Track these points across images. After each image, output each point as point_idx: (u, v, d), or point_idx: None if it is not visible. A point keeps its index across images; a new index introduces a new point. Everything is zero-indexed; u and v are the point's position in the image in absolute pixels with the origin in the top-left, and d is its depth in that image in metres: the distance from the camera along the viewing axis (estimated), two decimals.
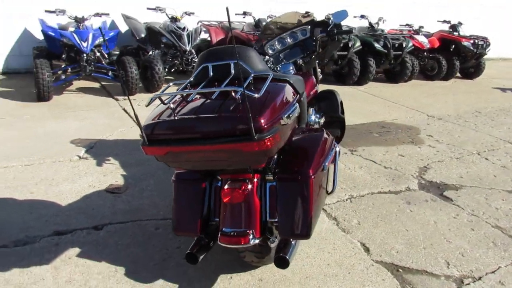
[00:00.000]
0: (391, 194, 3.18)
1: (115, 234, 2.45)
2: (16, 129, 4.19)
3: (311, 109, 2.94)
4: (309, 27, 3.10)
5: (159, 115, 1.66)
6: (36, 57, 5.56)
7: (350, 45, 6.85)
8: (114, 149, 3.77)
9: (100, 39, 5.29)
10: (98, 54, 5.45)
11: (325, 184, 2.04)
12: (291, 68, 2.97)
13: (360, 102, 6.18)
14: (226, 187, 1.81)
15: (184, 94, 1.67)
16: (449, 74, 8.23)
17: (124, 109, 1.63)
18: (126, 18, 6.75)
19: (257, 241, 1.83)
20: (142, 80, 5.74)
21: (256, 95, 1.55)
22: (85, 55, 5.18)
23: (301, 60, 3.06)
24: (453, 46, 8.29)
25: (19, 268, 2.10)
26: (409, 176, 3.53)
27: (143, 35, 6.46)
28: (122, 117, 4.73)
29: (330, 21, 3.09)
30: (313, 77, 2.98)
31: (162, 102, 1.64)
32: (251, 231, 1.82)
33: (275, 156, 1.97)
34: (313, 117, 2.90)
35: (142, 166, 3.40)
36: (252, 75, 1.73)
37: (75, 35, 5.13)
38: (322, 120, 2.99)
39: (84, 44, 5.11)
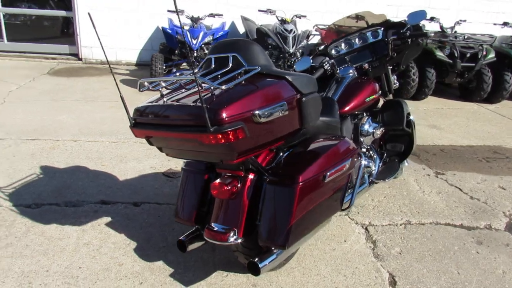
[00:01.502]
0: (462, 229, 2.67)
1: (147, 212, 2.62)
2: (121, 111, 4.80)
3: (366, 117, 2.67)
4: (382, 28, 2.82)
5: (150, 101, 1.73)
6: (160, 52, 6.28)
7: (479, 56, 5.96)
8: None
9: (210, 38, 5.69)
10: (206, 51, 5.87)
11: (327, 196, 1.83)
12: (351, 71, 2.74)
13: (480, 122, 5.33)
14: (217, 181, 1.78)
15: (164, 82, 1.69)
16: None
17: (121, 95, 1.77)
18: (244, 20, 7.09)
19: (238, 240, 1.76)
20: None
21: (223, 87, 1.49)
22: (194, 51, 5.64)
23: (367, 64, 2.80)
24: None
25: (57, 224, 2.41)
26: (498, 212, 2.91)
27: (256, 36, 6.70)
28: None
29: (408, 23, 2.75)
30: (375, 83, 2.68)
31: (149, 88, 1.69)
32: (233, 230, 1.75)
33: (280, 157, 1.87)
34: (365, 127, 2.62)
35: None
36: (244, 68, 1.66)
37: (188, 33, 5.62)
38: (378, 131, 2.68)
39: (194, 42, 5.56)
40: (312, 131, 2.01)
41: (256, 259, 1.70)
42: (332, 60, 2.77)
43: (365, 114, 2.73)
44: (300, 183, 1.66)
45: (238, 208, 1.78)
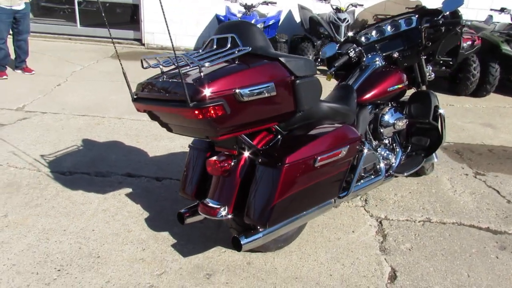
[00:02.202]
0: (487, 232, 2.50)
1: (166, 187, 2.77)
2: None
3: (388, 108, 2.57)
4: (417, 16, 2.68)
5: (151, 77, 1.83)
6: None
7: None
8: None
9: (261, 25, 5.73)
10: None
11: (318, 181, 1.82)
12: (377, 59, 2.64)
13: None
14: (213, 158, 1.86)
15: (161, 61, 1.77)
16: None
17: (123, 72, 1.91)
18: (301, 9, 7.02)
19: (228, 216, 1.82)
20: None
21: (206, 64, 1.54)
22: None
23: (397, 53, 2.68)
24: None
25: (83, 191, 2.64)
26: None
27: (309, 25, 6.62)
28: None
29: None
30: (402, 73, 2.56)
31: (149, 65, 1.77)
32: (224, 206, 1.82)
33: (278, 139, 1.89)
34: (386, 117, 2.53)
35: None
36: (238, 48, 1.70)
37: None
38: (400, 123, 2.57)
39: None
40: (316, 115, 1.99)
41: (241, 235, 1.75)
42: (360, 48, 2.69)
43: (389, 104, 2.63)
44: (286, 164, 1.68)
45: (231, 185, 1.84)
